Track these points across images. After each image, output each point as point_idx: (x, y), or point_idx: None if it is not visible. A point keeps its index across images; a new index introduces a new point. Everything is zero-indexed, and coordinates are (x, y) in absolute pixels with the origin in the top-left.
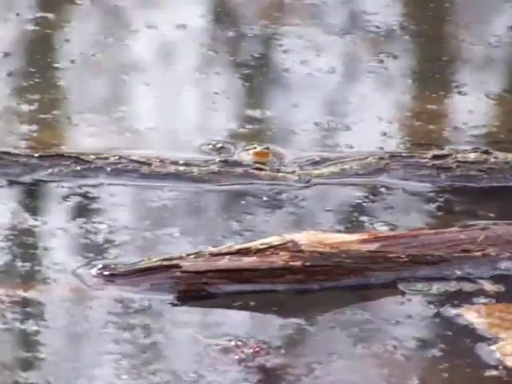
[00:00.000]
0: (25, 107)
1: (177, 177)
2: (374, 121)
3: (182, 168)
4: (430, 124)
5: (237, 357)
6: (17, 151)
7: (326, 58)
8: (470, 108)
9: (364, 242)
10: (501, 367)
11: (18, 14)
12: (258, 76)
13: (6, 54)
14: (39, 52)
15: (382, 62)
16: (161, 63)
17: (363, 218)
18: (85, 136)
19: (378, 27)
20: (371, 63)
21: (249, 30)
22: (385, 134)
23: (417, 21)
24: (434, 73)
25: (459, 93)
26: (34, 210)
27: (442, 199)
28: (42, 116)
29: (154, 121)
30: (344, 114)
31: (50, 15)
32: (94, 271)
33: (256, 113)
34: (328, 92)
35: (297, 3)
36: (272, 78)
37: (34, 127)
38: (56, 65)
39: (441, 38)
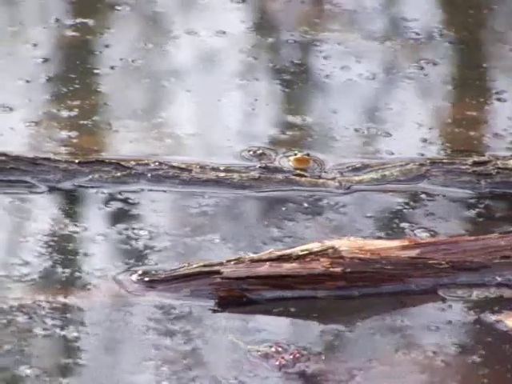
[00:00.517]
0: (65, 113)
1: (217, 183)
2: (414, 127)
3: (222, 174)
4: (470, 130)
5: (277, 363)
6: (57, 157)
7: (365, 65)
8: (509, 115)
9: (404, 248)
10: None
11: (57, 20)
12: (297, 82)
13: (46, 60)
14: (79, 58)
15: (421, 68)
16: (201, 69)
17: (403, 225)
18: (125, 142)
19: (417, 34)
20: (411, 69)
21: (289, 37)
22: (425, 141)
23: (456, 27)
24: (473, 79)
25: (499, 99)
26: (74, 216)
27: (482, 205)
28: (82, 122)
29: (194, 127)
30: (384, 121)
31: (90, 21)
32: (134, 277)
33: (296, 119)
34: (368, 98)
35: (336, 9)
36: (312, 84)
37: (74, 133)
38: (96, 71)
39: (480, 44)
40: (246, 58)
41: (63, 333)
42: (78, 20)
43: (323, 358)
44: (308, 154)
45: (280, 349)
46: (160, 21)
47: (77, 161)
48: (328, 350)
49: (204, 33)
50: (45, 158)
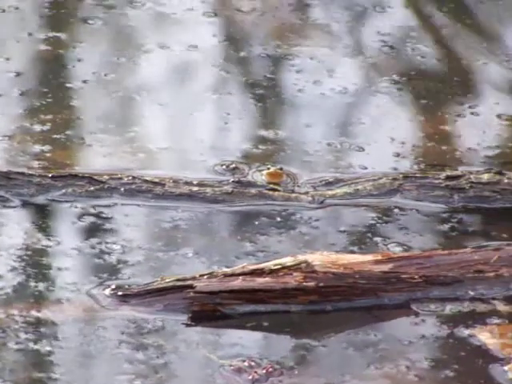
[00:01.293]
0: (38, 127)
1: (190, 197)
2: (387, 141)
3: (195, 188)
4: (443, 145)
5: (250, 377)
6: (30, 171)
7: (338, 79)
8: (482, 129)
9: (377, 262)
10: None
11: (30, 34)
12: (270, 96)
13: (18, 74)
14: (51, 72)
15: (394, 82)
16: (173, 83)
17: (377, 239)
18: (98, 156)
19: (390, 47)
20: (384, 84)
21: (261, 51)
22: (398, 155)
23: (429, 42)
24: (446, 93)
25: (472, 113)
26: (47, 230)
27: (455, 220)
28: (55, 136)
29: (167, 141)
30: (357, 135)
31: (62, 35)
32: (107, 291)
33: (269, 133)
34: (340, 112)
35: (309, 24)
36: (284, 98)
37: (47, 147)
38: (68, 85)
39: (453, 58)
40: (218, 72)
41: (36, 347)
42: (51, 34)
43: (296, 372)
44: (281, 168)
45: (253, 363)
46: (132, 35)
47: (50, 175)
48: (301, 364)
49: (176, 47)
50: (18, 173)
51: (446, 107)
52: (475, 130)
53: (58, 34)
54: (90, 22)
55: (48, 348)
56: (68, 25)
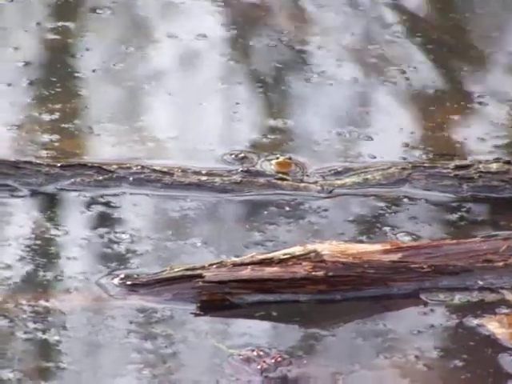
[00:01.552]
0: (46, 117)
1: (199, 187)
2: (396, 131)
3: (204, 178)
4: (451, 134)
5: (259, 367)
6: (39, 161)
7: (347, 68)
8: (491, 118)
9: (386, 252)
10: None
11: (38, 24)
12: (279, 86)
13: (27, 64)
14: (60, 61)
15: (403, 72)
16: (182, 73)
17: (385, 229)
18: (106, 145)
19: (398, 37)
20: (393, 73)
21: (270, 40)
22: (407, 145)
23: (438, 31)
24: (455, 83)
25: (480, 103)
26: (55, 220)
27: (464, 209)
28: (64, 125)
29: (176, 131)
30: (366, 125)
31: (71, 24)
32: (116, 281)
33: (278, 123)
34: (349, 102)
35: (318, 13)
36: (293, 87)
37: (56, 137)
38: (77, 74)
39: (462, 48)
40: (226, 61)
41: (45, 336)
42: (60, 23)
43: (305, 361)
44: (290, 158)
45: (262, 353)
46: (141, 24)
47: (59, 164)
48: (310, 353)
49: (185, 36)
50: (27, 162)
51: (455, 97)
52: (484, 120)
53: (66, 24)
54: (99, 11)
55: (56, 337)
56: (76, 14)
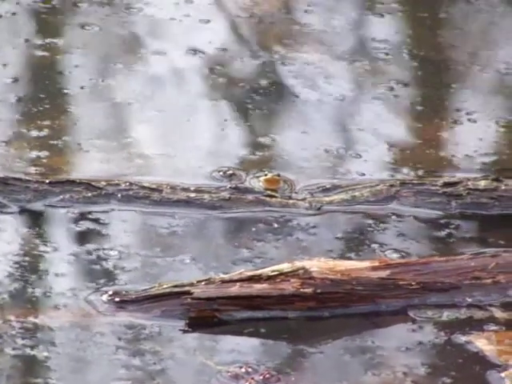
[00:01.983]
0: (34, 133)
1: (187, 203)
2: (384, 148)
3: (192, 195)
4: (440, 151)
5: (247, 383)
6: (27, 177)
7: (335, 85)
8: (480, 135)
9: (375, 269)
10: None
11: (27, 40)
12: (267, 102)
13: (15, 80)
14: (48, 78)
15: (391, 89)
16: (170, 89)
17: (374, 245)
18: (95, 162)
19: (387, 54)
20: (381, 90)
21: (258, 57)
22: (395, 162)
23: (426, 48)
24: (443, 100)
25: (469, 120)
26: (44, 236)
27: (452, 226)
28: (52, 142)
29: (164, 147)
30: (354, 141)
31: (59, 41)
32: (104, 297)
33: (266, 139)
34: (338, 119)
35: (306, 30)
36: (281, 104)
37: (44, 153)
38: (65, 91)
39: (450, 65)
40: (215, 77)
41: (33, 352)
42: (48, 40)
43: (293, 378)
44: (278, 175)
45: (250, 369)
46: (129, 41)
47: (47, 181)
48: (298, 370)
49: (173, 53)
50: (16, 178)
51: (444, 114)
52: (472, 137)
53: (54, 40)
54: (87, 27)
55: (45, 354)
56: (65, 31)
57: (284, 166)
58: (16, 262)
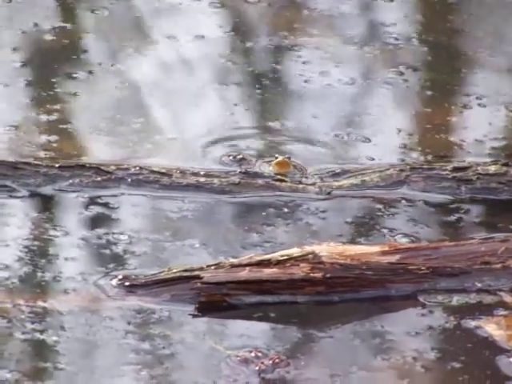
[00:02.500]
0: (44, 117)
1: (197, 188)
2: (394, 133)
3: (202, 179)
4: (449, 136)
5: (257, 368)
6: (37, 162)
7: (344, 70)
8: (489, 120)
9: (384, 253)
10: None
11: (36, 25)
12: (276, 87)
13: (24, 64)
14: (57, 62)
15: (401, 73)
16: (179, 74)
17: (383, 230)
18: (104, 146)
19: (396, 39)
20: (390, 75)
21: (267, 41)
22: (405, 146)
23: (435, 32)
24: (453, 85)
25: (479, 105)
26: (54, 221)
27: (462, 211)
28: (62, 126)
29: (174, 132)
30: (363, 126)
31: (68, 25)
32: (114, 282)
33: (276, 124)
34: (347, 103)
35: (315, 14)
36: (291, 89)
37: (54, 137)
38: (74, 75)
39: (460, 49)
40: (224, 62)
41: (43, 337)
42: (57, 24)
43: (303, 363)
44: (289, 158)
45: (259, 354)
46: (138, 25)
47: (57, 165)
48: (308, 355)
49: (183, 37)
50: (25, 163)
51: (453, 98)
52: (482, 122)
53: (63, 25)
54: (97, 11)
55: (54, 338)
56: (74, 15)
57: (293, 151)
58: (26, 247)
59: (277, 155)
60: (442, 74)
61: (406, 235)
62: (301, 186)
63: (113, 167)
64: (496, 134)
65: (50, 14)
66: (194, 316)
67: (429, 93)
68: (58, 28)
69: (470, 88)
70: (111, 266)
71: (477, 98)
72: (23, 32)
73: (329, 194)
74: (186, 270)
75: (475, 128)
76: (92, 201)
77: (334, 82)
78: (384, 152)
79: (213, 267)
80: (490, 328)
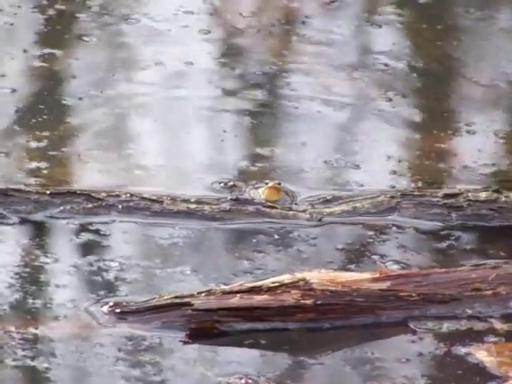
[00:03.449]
0: (34, 144)
1: (188, 215)
2: (383, 159)
3: (193, 206)
4: (439, 163)
5: None
6: (28, 188)
7: (334, 96)
8: (479, 147)
9: (375, 280)
10: None
11: (25, 51)
12: (266, 113)
13: (14, 91)
14: (47, 89)
15: (390, 100)
16: (169, 100)
17: (374, 257)
18: (94, 173)
19: (385, 65)
20: (379, 101)
21: (256, 68)
22: (394, 173)
23: (425, 59)
24: (442, 111)
25: (468, 132)
26: (45, 247)
27: (453, 238)
28: (52, 153)
29: (164, 158)
30: (353, 152)
31: (58, 51)
32: (105, 308)
33: (265, 151)
34: (336, 130)
35: (304, 41)
36: (280, 115)
37: (44, 164)
38: (64, 101)
39: (449, 76)
40: (214, 89)
41: (34, 363)
42: (46, 50)
43: None
44: (279, 183)
45: (250, 381)
46: (128, 52)
47: (48, 192)
48: (298, 381)
49: (172, 63)
50: (16, 189)
51: (442, 125)
52: (471, 148)
53: (53, 51)
54: (85, 38)
55: (45, 365)
56: (63, 41)
57: (284, 177)
58: (16, 273)
59: (267, 181)
60: (431, 100)
61: (396, 262)
62: (291, 212)
63: (103, 194)
64: (485, 161)
65: (39, 41)
66: (185, 343)
67: (418, 119)
68: (47, 54)
69: (460, 115)
70: (102, 292)
71: (466, 124)
72: (12, 58)
73: (320, 220)
74: (176, 297)
75: (464, 155)
76: (83, 227)
77: (323, 109)
78: (374, 178)
79: (204, 294)
80: (481, 355)
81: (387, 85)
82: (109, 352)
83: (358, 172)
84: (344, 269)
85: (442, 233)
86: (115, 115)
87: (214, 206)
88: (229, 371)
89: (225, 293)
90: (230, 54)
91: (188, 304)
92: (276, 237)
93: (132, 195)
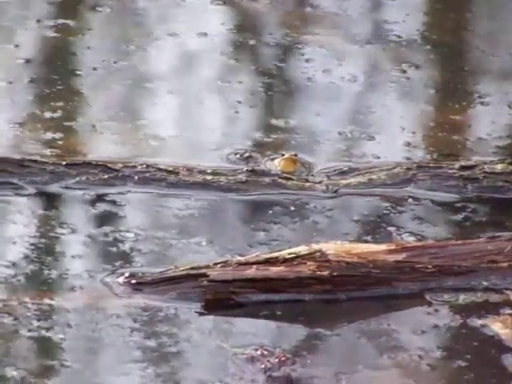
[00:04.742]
0: (48, 114)
1: (204, 186)
2: (398, 131)
3: (209, 177)
4: (453, 135)
5: (263, 366)
6: (44, 159)
7: (347, 68)
8: (492, 118)
9: (391, 252)
10: None
11: (38, 21)
12: (280, 85)
13: (28, 61)
14: (61, 59)
15: (404, 71)
16: (183, 71)
17: (390, 229)
18: (109, 143)
19: (399, 37)
20: (393, 73)
21: (270, 39)
22: (409, 145)
23: (438, 31)
24: (456, 83)
25: (482, 103)
26: (60, 218)
27: (469, 210)
28: (67, 123)
29: (178, 129)
30: (367, 124)
31: (71, 22)
32: (120, 279)
33: (280, 122)
34: (350, 101)
35: (318, 12)
36: (294, 86)
37: (59, 135)
38: (78, 72)
39: (462, 48)
40: (227, 60)
41: (49, 334)
42: (60, 21)
43: (309, 361)
44: (296, 155)
45: (266, 352)
46: (141, 22)
47: (64, 163)
48: (314, 353)
49: (185, 34)
50: (32, 160)
51: (456, 97)
52: (485, 120)
53: (66, 21)
54: (99, 8)
55: (60, 336)
56: (77, 12)
57: (299, 149)
58: (32, 244)
59: (283, 153)
60: (445, 72)
61: (412, 234)
62: (307, 184)
63: (120, 165)
64: (500, 133)
65: (53, 11)
66: (201, 314)
67: (431, 91)
68: (60, 25)
69: (473, 86)
70: (118, 263)
71: (479, 96)
72: (26, 29)
73: (336, 192)
74: (192, 268)
75: (478, 126)
76: (99, 198)
77: (336, 80)
78: (388, 150)
79: (219, 265)
80: (497, 327)
81: (401, 56)
82: (124, 323)
83: (372, 143)
84: (360, 240)
85: (458, 205)
86: (129, 86)
87: (230, 177)
88: (244, 342)
89: (241, 264)
90: (244, 24)
91: (204, 275)
92: (292, 208)
93: (148, 166)
